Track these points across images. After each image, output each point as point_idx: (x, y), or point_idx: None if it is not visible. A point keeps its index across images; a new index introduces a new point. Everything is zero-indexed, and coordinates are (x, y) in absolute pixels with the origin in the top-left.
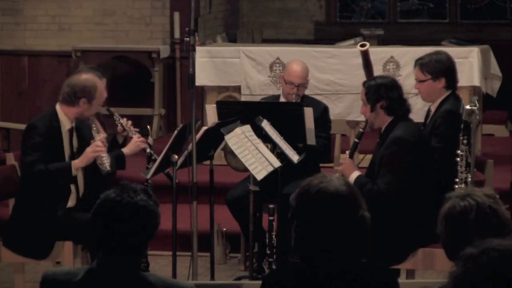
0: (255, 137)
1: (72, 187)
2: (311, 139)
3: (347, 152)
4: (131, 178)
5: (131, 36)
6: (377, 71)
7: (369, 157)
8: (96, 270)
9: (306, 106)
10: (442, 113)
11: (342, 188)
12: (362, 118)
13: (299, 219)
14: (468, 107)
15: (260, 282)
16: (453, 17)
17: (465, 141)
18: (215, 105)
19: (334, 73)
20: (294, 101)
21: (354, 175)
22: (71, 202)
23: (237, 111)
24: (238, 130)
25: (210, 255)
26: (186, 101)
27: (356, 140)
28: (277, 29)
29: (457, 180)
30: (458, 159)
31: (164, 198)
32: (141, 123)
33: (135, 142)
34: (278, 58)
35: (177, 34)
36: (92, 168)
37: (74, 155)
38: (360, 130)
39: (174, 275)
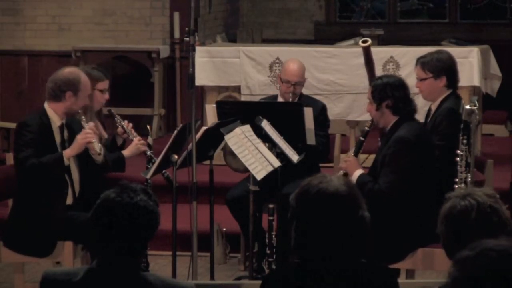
0: (255, 137)
1: (68, 184)
2: (310, 139)
3: (352, 150)
4: (131, 178)
5: (131, 36)
6: (377, 71)
7: (373, 156)
8: (96, 270)
9: (306, 105)
10: (443, 111)
11: (342, 188)
12: (361, 118)
13: (298, 219)
14: (468, 107)
15: (260, 282)
16: (453, 17)
17: (465, 141)
18: (215, 105)
19: (334, 73)
20: (291, 100)
21: (356, 173)
22: (68, 200)
23: (237, 111)
24: (238, 130)
25: (210, 255)
26: (186, 101)
27: (362, 138)
28: (277, 29)
29: (457, 180)
30: (458, 159)
31: (164, 198)
32: (141, 123)
33: (136, 145)
34: (278, 58)
35: (177, 34)
36: (85, 162)
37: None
38: (366, 128)
39: (174, 275)
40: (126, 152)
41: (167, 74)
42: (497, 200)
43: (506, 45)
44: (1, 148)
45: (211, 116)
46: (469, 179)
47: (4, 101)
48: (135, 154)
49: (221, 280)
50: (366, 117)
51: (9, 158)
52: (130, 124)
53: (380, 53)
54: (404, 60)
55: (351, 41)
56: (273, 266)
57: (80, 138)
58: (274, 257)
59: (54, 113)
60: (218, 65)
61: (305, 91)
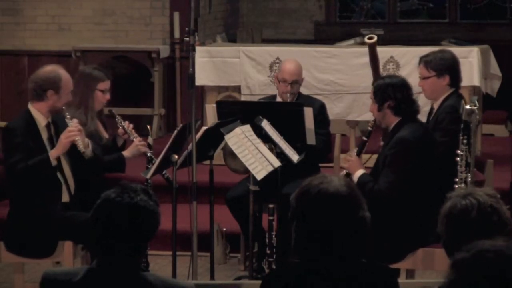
0: (255, 137)
1: (62, 181)
2: (311, 139)
3: (355, 149)
4: (131, 178)
5: (131, 36)
6: None
7: (375, 157)
8: (96, 270)
9: (305, 105)
10: (445, 108)
11: (342, 188)
12: (361, 118)
13: (299, 220)
14: (468, 107)
15: (260, 282)
16: (453, 17)
17: (465, 141)
18: (215, 105)
19: (334, 73)
20: (289, 100)
21: (358, 173)
22: (65, 198)
23: (237, 111)
24: (238, 130)
25: (210, 255)
26: (186, 101)
27: (365, 138)
28: (277, 29)
29: (457, 180)
30: (458, 159)
31: (164, 198)
32: (141, 123)
33: (136, 146)
34: (278, 58)
35: (177, 34)
36: (76, 158)
37: None
38: (369, 128)
39: (174, 275)
40: (126, 153)
41: (167, 74)
42: (498, 200)
43: (506, 45)
44: (1, 148)
45: (211, 116)
46: (469, 179)
47: (4, 101)
48: (136, 155)
49: (221, 280)
50: (366, 117)
51: None
52: (131, 125)
53: (380, 53)
54: (404, 60)
55: (351, 41)
56: (273, 266)
57: (63, 138)
58: (274, 257)
59: (38, 113)
60: (218, 65)
61: (305, 91)
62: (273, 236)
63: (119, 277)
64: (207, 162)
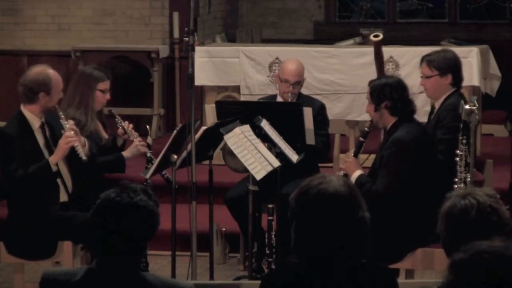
0: (254, 137)
1: (59, 180)
2: (310, 139)
3: (352, 150)
4: (131, 178)
5: (131, 36)
6: None
7: (373, 157)
8: (95, 270)
9: (305, 105)
10: (447, 106)
11: (342, 189)
12: (361, 118)
13: (298, 220)
14: (467, 107)
15: (259, 282)
16: (453, 17)
17: (464, 141)
18: (214, 105)
19: (334, 73)
20: (290, 100)
21: (356, 174)
22: (63, 197)
23: (236, 111)
24: (237, 130)
25: (209, 255)
26: (185, 101)
27: (362, 139)
28: (276, 29)
29: (457, 180)
30: (458, 159)
31: (163, 198)
32: (140, 123)
33: (136, 146)
34: (277, 58)
35: (176, 34)
36: (74, 158)
37: (52, 148)
38: (366, 129)
39: (174, 275)
40: (126, 153)
41: (166, 74)
42: (497, 200)
43: (506, 45)
44: None
45: (210, 116)
46: (469, 179)
47: (4, 101)
48: (136, 155)
49: (220, 280)
50: (366, 117)
51: None
52: (131, 125)
53: None
54: (403, 60)
55: (351, 41)
56: (273, 266)
57: (62, 143)
58: (274, 257)
59: (31, 114)
60: (218, 65)
61: (304, 91)
62: (273, 236)
63: (119, 277)
64: (207, 162)
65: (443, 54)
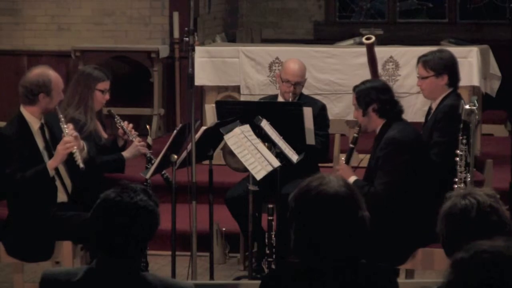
0: (254, 136)
1: (58, 182)
2: (310, 139)
3: (343, 158)
4: (131, 178)
5: (130, 36)
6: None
7: (368, 157)
8: (95, 270)
9: (305, 105)
10: (444, 107)
11: (341, 189)
12: None
13: (298, 220)
14: (467, 107)
15: (259, 282)
16: (452, 17)
17: (464, 141)
18: (214, 105)
19: (333, 73)
20: (291, 100)
21: (350, 180)
22: (62, 197)
23: (236, 111)
24: (237, 130)
25: (209, 255)
26: (185, 101)
27: (351, 145)
28: (276, 29)
29: (456, 180)
30: (458, 159)
31: (163, 198)
32: (140, 123)
33: (136, 146)
34: (277, 58)
35: (176, 34)
36: (72, 161)
37: (52, 151)
38: (355, 135)
39: (173, 275)
40: (126, 154)
41: (166, 74)
42: (497, 200)
43: (506, 45)
44: None
45: (210, 116)
46: (469, 179)
47: (3, 101)
48: (136, 155)
49: (220, 280)
50: None
51: None
52: (130, 125)
53: (379, 53)
54: (403, 60)
55: (351, 41)
56: (273, 266)
57: (61, 149)
58: (274, 257)
59: (31, 116)
60: (218, 65)
61: (304, 91)
62: (273, 236)
63: (119, 277)
64: (207, 162)
65: (439, 54)
